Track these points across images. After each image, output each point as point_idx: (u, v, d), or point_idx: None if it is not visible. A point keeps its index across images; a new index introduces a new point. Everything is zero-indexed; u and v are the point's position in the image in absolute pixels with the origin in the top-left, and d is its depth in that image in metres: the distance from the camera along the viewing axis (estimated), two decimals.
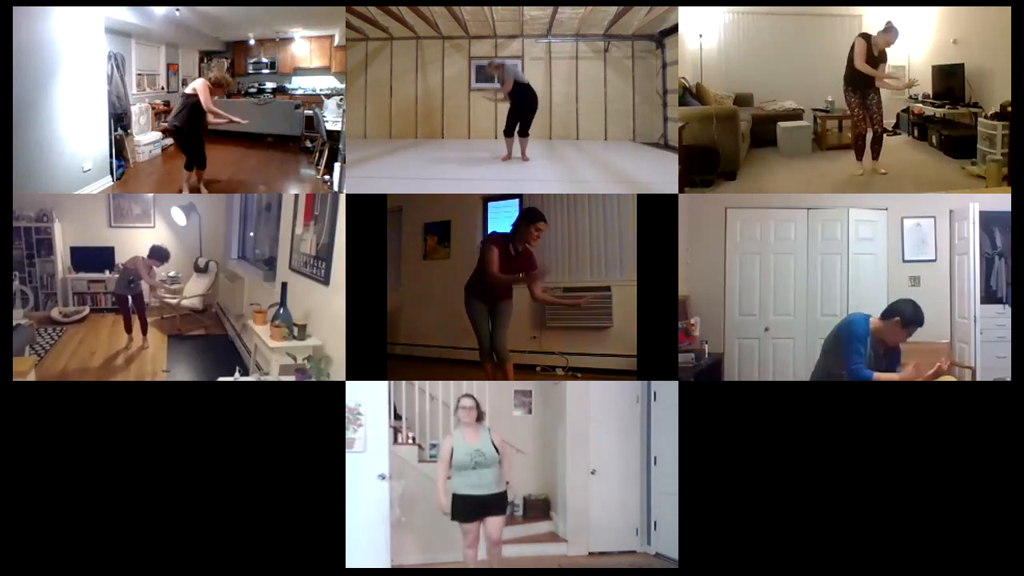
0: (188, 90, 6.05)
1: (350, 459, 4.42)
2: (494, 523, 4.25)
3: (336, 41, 9.43)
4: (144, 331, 7.28)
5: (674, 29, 7.95)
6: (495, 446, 4.26)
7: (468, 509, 4.22)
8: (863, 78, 5.89)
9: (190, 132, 6.03)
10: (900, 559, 3.90)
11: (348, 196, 4.68)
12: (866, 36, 5.89)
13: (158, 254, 7.42)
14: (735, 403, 4.09)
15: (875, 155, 6.02)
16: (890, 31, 5.84)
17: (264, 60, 10.33)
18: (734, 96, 7.46)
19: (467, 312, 5.13)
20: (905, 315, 3.88)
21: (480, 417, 4.35)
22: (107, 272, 9.17)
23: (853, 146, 6.15)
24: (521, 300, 6.79)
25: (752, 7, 7.72)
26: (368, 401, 4.71)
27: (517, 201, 7.17)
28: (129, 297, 7.19)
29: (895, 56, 7.93)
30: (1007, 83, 4.46)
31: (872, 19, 7.89)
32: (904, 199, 5.99)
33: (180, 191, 6.60)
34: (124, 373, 6.35)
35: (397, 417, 5.64)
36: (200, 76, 6.02)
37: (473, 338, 5.15)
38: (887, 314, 3.93)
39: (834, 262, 5.99)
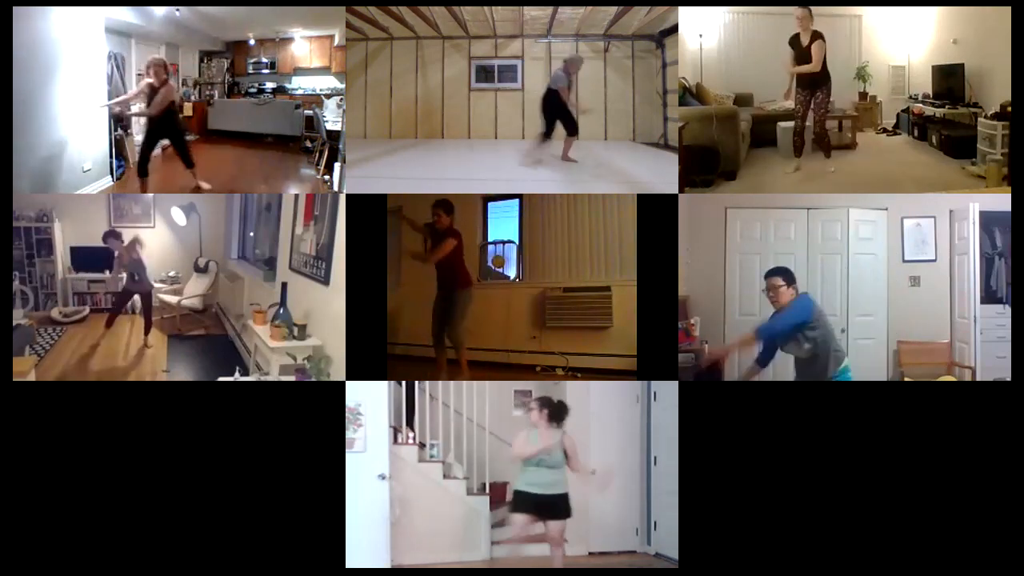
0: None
1: (350, 459, 4.43)
2: (555, 526, 4.27)
3: (336, 41, 9.44)
4: (147, 331, 7.24)
5: (674, 29, 7.95)
6: (564, 450, 4.27)
7: (526, 506, 4.25)
8: (809, 76, 5.93)
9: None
10: (900, 559, 3.90)
11: (348, 196, 4.68)
12: (795, 37, 5.90)
13: (111, 236, 7.32)
14: (735, 403, 4.09)
15: (827, 152, 6.03)
16: (801, 18, 5.86)
17: (264, 60, 10.33)
18: (734, 96, 7.45)
19: None
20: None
21: (553, 417, 4.32)
22: (107, 272, 9.16)
23: (792, 144, 6.20)
24: (521, 300, 6.83)
25: (752, 7, 7.72)
26: (368, 401, 4.72)
27: (517, 201, 7.17)
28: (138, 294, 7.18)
29: (896, 57, 7.98)
30: (1007, 83, 4.46)
31: (872, 19, 7.94)
32: (904, 199, 5.98)
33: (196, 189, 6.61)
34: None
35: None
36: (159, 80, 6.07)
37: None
38: None
39: (834, 262, 5.98)
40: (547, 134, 6.97)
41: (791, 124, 6.31)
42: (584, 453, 5.63)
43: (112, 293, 7.39)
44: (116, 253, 7.19)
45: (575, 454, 4.31)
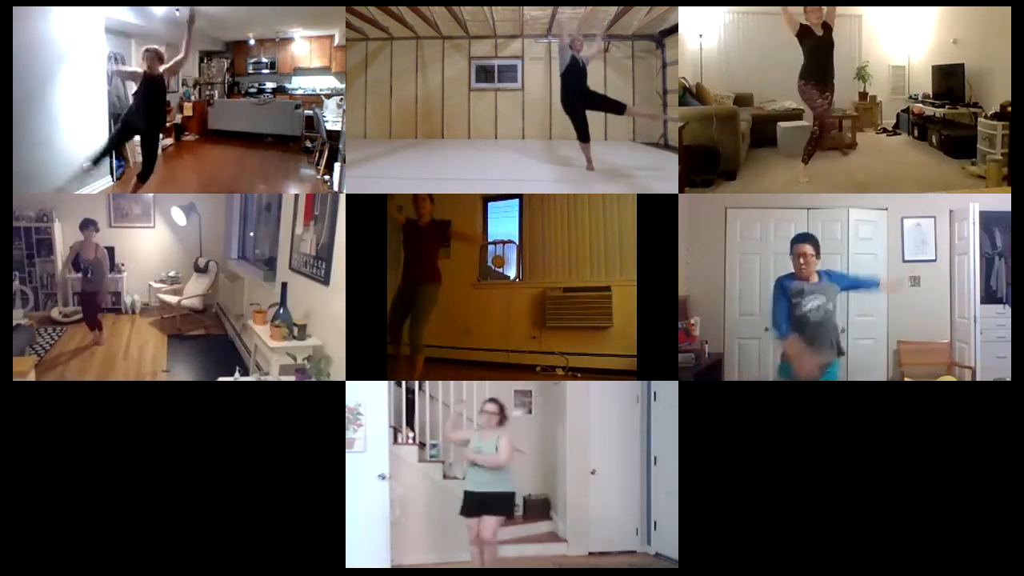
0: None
1: (350, 459, 4.43)
2: (486, 521, 4.39)
3: (336, 41, 9.43)
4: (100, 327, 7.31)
5: (674, 29, 7.95)
6: (498, 448, 4.41)
7: (469, 505, 4.43)
8: (823, 70, 5.60)
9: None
10: (900, 559, 3.90)
11: (348, 196, 4.69)
12: (804, 29, 5.50)
13: (90, 224, 7.28)
14: (735, 403, 4.09)
15: (806, 158, 5.85)
16: (811, 11, 5.47)
17: (264, 60, 10.33)
18: (734, 96, 7.45)
19: None
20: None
21: (502, 421, 4.54)
22: (108, 273, 9.16)
23: (815, 148, 5.86)
24: (521, 300, 6.83)
25: (752, 7, 7.72)
26: (368, 401, 4.72)
27: (517, 201, 7.17)
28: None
29: (896, 57, 7.98)
30: (1007, 83, 4.46)
31: (872, 19, 7.94)
32: (904, 199, 5.98)
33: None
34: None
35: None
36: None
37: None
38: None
39: (834, 262, 5.96)
40: (582, 136, 6.57)
41: (791, 124, 6.29)
42: (584, 453, 5.68)
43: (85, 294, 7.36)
44: (85, 240, 7.16)
45: (506, 451, 4.44)
